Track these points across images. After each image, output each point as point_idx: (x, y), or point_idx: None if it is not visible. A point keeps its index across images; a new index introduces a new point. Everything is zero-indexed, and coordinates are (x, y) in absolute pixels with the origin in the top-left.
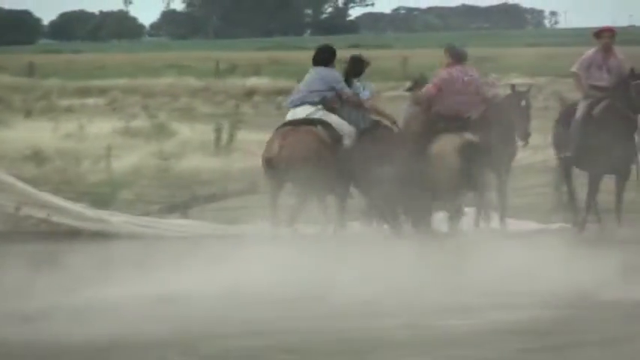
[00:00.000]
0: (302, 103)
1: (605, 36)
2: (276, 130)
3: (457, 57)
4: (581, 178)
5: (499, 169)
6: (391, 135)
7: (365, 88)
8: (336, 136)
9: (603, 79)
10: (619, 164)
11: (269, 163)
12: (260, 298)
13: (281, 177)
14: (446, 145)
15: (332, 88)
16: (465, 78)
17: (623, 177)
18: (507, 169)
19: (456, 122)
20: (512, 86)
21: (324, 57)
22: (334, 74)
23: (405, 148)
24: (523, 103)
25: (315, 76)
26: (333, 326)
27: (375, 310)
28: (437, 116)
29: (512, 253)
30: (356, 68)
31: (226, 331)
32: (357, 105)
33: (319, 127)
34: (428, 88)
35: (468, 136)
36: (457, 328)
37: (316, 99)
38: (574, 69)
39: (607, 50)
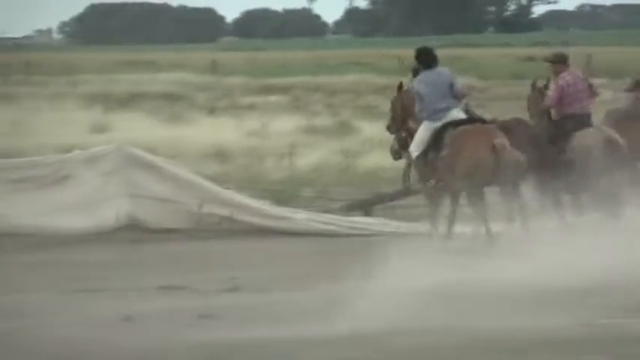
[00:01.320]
0: (451, 105)
1: None
2: (456, 130)
3: (565, 60)
4: None
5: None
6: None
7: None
8: None
9: None
10: None
11: (485, 164)
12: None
13: (499, 177)
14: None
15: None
16: (577, 79)
17: None
18: None
19: (582, 119)
20: None
21: (435, 57)
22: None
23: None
24: None
25: (441, 77)
26: None
27: None
28: (565, 117)
29: None
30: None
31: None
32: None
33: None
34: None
35: (610, 132)
36: None
37: (456, 99)
38: None
39: None
